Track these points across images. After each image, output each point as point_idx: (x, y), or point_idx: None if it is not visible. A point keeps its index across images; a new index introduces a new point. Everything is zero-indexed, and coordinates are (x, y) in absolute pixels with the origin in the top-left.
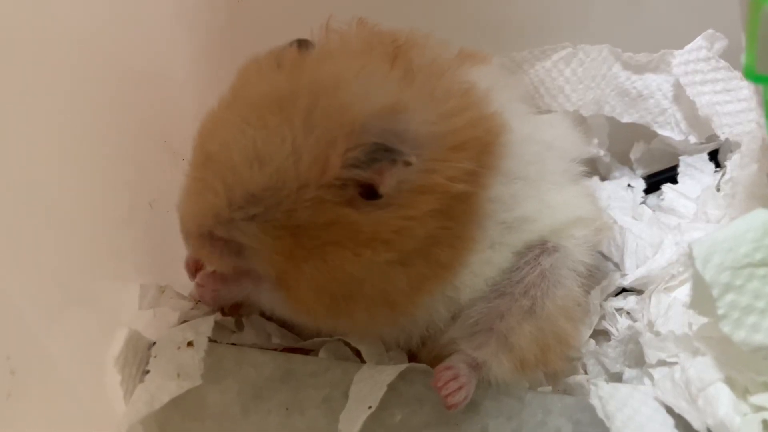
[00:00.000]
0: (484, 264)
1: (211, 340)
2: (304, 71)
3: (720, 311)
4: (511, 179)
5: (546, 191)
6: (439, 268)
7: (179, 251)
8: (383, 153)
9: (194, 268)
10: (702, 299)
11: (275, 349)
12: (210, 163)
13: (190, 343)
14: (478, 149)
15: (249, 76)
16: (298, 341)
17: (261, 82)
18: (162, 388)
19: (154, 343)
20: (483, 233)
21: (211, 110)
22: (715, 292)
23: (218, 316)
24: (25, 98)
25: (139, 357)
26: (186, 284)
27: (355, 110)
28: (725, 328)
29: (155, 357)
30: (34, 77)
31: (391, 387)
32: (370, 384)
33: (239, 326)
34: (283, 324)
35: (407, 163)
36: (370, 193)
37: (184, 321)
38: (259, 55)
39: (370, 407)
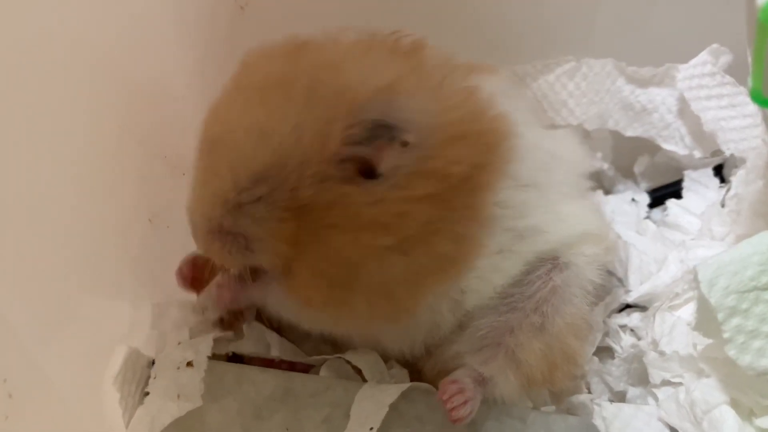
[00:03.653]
0: (492, 270)
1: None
2: (306, 55)
3: (725, 335)
4: (522, 185)
5: (556, 202)
6: (441, 262)
7: None
8: (383, 130)
9: (189, 274)
10: (707, 322)
11: (273, 360)
12: (215, 147)
13: (189, 363)
14: (480, 145)
15: (250, 64)
16: (298, 353)
17: (262, 67)
18: (163, 409)
19: (153, 362)
20: (491, 238)
21: (214, 101)
22: (720, 316)
23: (217, 333)
24: (22, 113)
25: (138, 375)
26: (187, 299)
27: (356, 88)
28: (731, 352)
29: (155, 378)
30: (31, 92)
31: (393, 407)
32: (372, 404)
33: (239, 334)
34: (284, 335)
35: (404, 143)
36: (368, 171)
37: (191, 337)
38: (260, 46)
39: (371, 429)
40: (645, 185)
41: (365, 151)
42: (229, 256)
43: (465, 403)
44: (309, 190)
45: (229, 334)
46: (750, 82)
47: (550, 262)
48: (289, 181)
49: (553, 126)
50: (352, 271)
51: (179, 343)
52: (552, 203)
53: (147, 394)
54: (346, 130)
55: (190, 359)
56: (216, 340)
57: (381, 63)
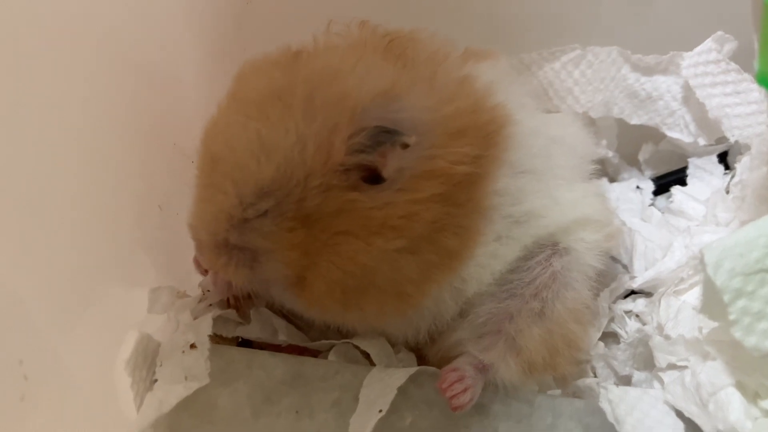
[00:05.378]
0: (491, 257)
1: (216, 335)
2: (301, 65)
3: (731, 317)
4: (518, 172)
5: (554, 187)
6: (447, 257)
7: (189, 254)
8: (386, 135)
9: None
10: (713, 304)
11: (280, 345)
12: (217, 165)
13: (193, 345)
14: (479, 137)
15: (246, 77)
16: (305, 339)
17: (258, 80)
18: (170, 392)
19: None
20: (489, 226)
21: (212, 116)
22: (726, 298)
23: (216, 312)
24: (35, 102)
25: (150, 360)
26: (197, 286)
27: (355, 96)
28: (736, 333)
29: (161, 365)
30: (44, 81)
31: (401, 390)
32: (381, 387)
33: (246, 319)
34: (291, 320)
35: (405, 146)
36: (373, 177)
37: (195, 318)
38: (254, 58)
39: (380, 411)
40: (650, 173)
41: (369, 158)
42: (236, 270)
43: (465, 390)
44: (315, 199)
45: (232, 312)
46: (756, 65)
47: (550, 248)
48: (294, 192)
49: (554, 113)
50: (367, 277)
51: (178, 327)
52: (550, 188)
53: (156, 381)
54: (349, 139)
55: (192, 341)
56: (223, 324)
57: (376, 68)
